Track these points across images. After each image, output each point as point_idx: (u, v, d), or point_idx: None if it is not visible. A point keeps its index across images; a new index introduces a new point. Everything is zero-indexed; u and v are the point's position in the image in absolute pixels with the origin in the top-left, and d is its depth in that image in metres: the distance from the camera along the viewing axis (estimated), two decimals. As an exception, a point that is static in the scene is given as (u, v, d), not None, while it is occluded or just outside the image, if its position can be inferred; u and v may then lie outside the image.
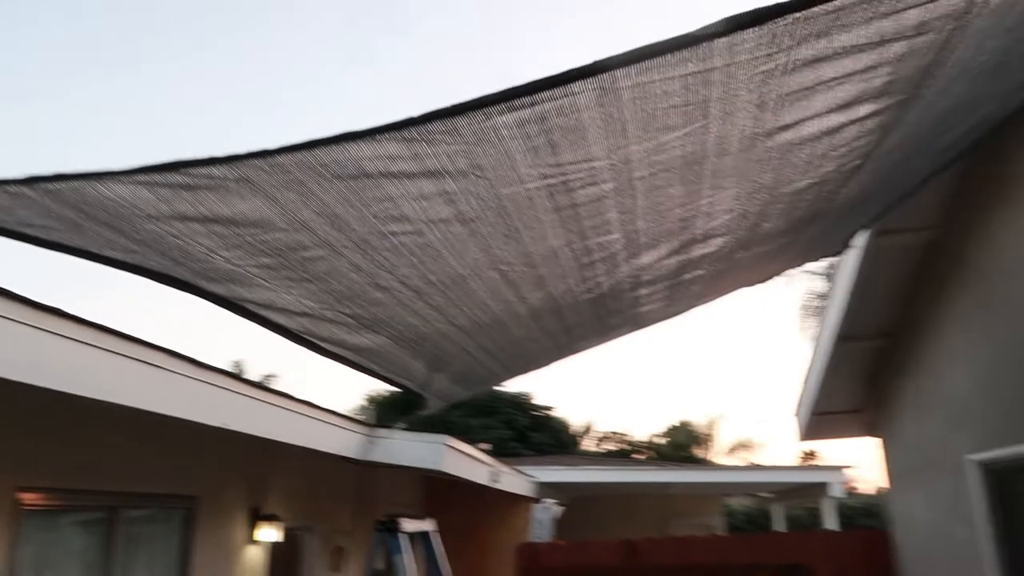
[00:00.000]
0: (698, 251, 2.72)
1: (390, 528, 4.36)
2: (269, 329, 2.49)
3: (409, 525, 4.54)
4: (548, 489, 10.99)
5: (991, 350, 4.48)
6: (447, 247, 2.13)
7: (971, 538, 4.55)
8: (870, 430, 6.92)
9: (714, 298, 4.05)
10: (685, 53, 1.47)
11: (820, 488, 11.14)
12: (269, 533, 5.16)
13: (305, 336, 2.64)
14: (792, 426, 7.54)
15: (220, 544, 4.65)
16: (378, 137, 1.56)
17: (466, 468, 6.11)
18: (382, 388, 33.81)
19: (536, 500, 10.69)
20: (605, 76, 1.49)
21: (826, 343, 6.09)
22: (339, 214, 1.83)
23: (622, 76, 1.50)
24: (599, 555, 5.40)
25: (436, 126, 1.55)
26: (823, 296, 25.09)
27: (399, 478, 8.40)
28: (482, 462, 6.65)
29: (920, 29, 1.56)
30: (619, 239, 2.35)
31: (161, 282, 2.02)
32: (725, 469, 15.26)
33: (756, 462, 31.85)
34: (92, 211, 1.63)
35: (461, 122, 1.55)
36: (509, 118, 1.57)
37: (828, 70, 1.63)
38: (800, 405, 7.33)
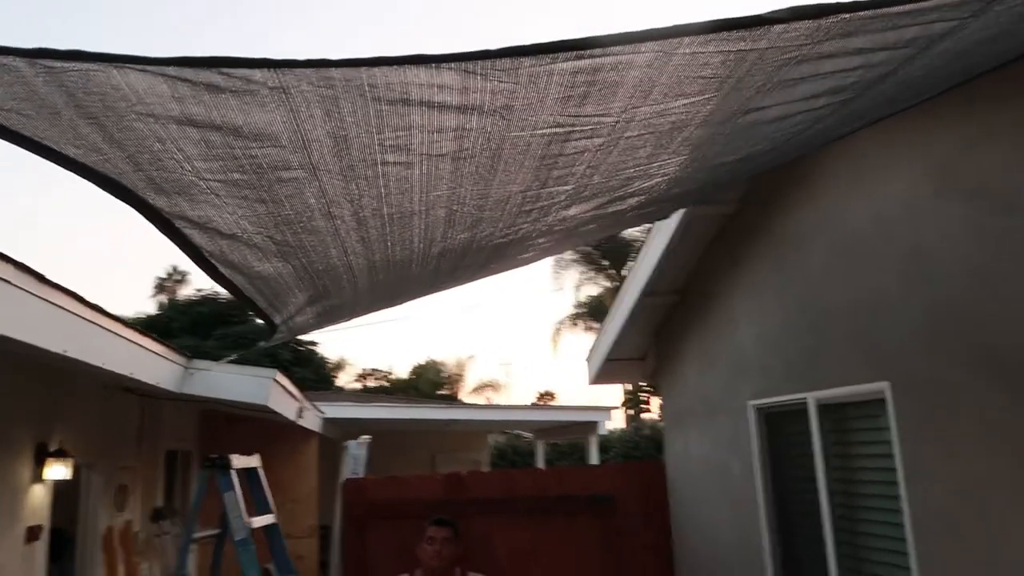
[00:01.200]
0: (613, 207, 2.88)
1: (221, 464, 4.11)
2: (180, 246, 2.25)
3: (238, 461, 4.32)
4: (329, 425, 10.88)
5: (779, 311, 5.23)
6: (422, 182, 2.06)
7: (746, 470, 5.36)
8: (651, 377, 7.75)
9: (572, 247, 4.27)
10: (745, 32, 1.57)
11: (590, 427, 12.30)
12: (58, 471, 4.59)
13: (212, 258, 2.41)
14: (583, 370, 8.18)
15: (2, 485, 4.05)
16: (443, 65, 1.48)
17: (283, 404, 5.85)
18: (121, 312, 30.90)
19: (316, 434, 10.53)
20: (674, 40, 1.55)
21: (631, 297, 6.66)
22: (349, 137, 1.71)
23: (688, 43, 1.57)
24: (424, 489, 5.53)
25: (504, 62, 1.51)
26: (574, 251, 27.15)
27: (178, 413, 7.83)
28: (294, 397, 6.41)
29: (908, 43, 1.80)
30: (568, 190, 2.42)
31: (103, 186, 1.75)
32: (512, 408, 16.11)
33: (497, 402, 34.03)
34: (87, 100, 1.37)
35: (528, 61, 1.52)
36: (568, 65, 1.57)
37: (828, 65, 1.83)
38: (594, 352, 7.97)
